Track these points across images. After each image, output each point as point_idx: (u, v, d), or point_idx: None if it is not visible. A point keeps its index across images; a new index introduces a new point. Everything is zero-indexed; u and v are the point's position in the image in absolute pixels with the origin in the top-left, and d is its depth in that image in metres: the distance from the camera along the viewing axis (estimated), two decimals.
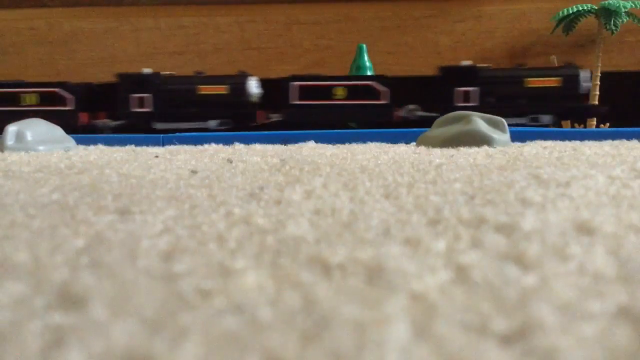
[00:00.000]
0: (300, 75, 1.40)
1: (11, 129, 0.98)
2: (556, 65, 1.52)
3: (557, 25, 1.58)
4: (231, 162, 0.76)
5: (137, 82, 1.38)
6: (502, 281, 0.24)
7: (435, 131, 0.99)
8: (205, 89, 1.37)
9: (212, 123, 1.35)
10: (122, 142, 1.13)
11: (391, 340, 0.18)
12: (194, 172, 0.64)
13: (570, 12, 1.52)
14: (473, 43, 1.69)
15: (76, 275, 0.26)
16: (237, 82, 1.37)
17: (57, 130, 1.06)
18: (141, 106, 1.37)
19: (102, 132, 1.34)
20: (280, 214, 0.39)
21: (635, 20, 1.52)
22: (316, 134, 1.15)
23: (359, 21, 1.72)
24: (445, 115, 1.01)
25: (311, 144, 1.06)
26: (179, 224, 0.36)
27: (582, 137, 1.09)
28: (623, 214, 0.37)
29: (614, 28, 1.49)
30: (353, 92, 1.36)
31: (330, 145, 1.03)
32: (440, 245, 0.30)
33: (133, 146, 1.09)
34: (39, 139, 0.99)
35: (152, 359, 0.17)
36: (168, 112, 1.37)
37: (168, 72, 1.45)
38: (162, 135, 1.18)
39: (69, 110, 1.38)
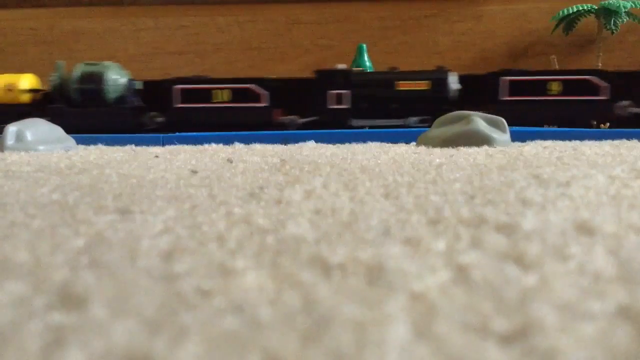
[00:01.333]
0: (508, 69, 1.35)
1: (11, 128, 0.98)
2: (556, 65, 1.52)
3: (557, 25, 1.58)
4: (231, 162, 0.76)
5: (334, 78, 1.34)
6: (502, 281, 0.24)
7: (435, 131, 0.99)
8: (405, 85, 1.32)
9: (412, 120, 1.30)
10: (122, 142, 1.13)
11: (391, 340, 0.18)
12: (194, 172, 0.64)
13: (570, 12, 1.52)
14: (473, 43, 1.69)
15: (76, 275, 0.26)
16: (438, 77, 1.32)
17: (57, 130, 1.06)
18: (339, 103, 1.33)
19: (288, 129, 1.30)
20: (280, 213, 0.39)
21: (636, 20, 1.52)
22: (316, 133, 1.15)
23: (359, 21, 1.72)
24: (445, 115, 1.01)
25: (311, 143, 1.06)
26: (179, 223, 0.36)
27: (582, 137, 1.09)
28: (623, 213, 0.37)
29: (614, 28, 1.49)
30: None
31: (330, 145, 1.03)
32: (440, 245, 0.30)
33: (133, 146, 1.09)
34: (39, 139, 0.99)
35: (152, 358, 0.17)
36: (365, 109, 1.33)
37: (359, 69, 1.41)
38: (162, 135, 1.18)
39: (263, 106, 1.35)
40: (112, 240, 0.32)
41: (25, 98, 1.37)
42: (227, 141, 1.10)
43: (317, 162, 0.71)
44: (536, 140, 1.04)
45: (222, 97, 1.35)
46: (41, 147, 0.97)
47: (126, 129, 1.31)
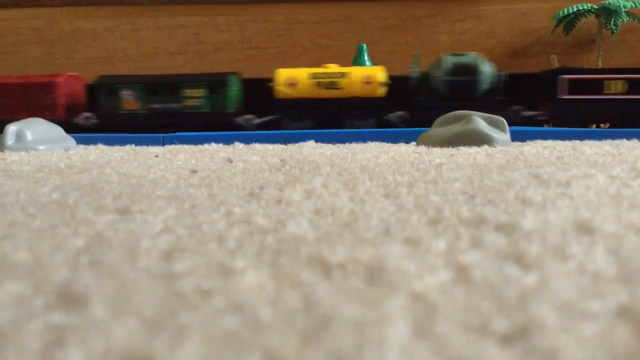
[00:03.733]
0: (567, 67, 1.33)
1: (11, 128, 0.98)
2: (556, 65, 1.52)
3: (557, 25, 1.58)
4: (231, 161, 0.76)
5: None
6: (502, 281, 0.24)
7: (435, 131, 0.99)
8: None
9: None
10: (122, 142, 1.13)
11: (391, 340, 0.18)
12: (194, 171, 0.64)
13: (571, 11, 1.52)
14: (473, 43, 1.69)
15: (76, 274, 0.26)
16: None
17: (57, 130, 1.06)
18: None
19: None
20: (280, 213, 0.39)
21: (636, 20, 1.52)
22: (316, 133, 1.15)
23: (359, 21, 1.72)
24: (445, 115, 1.01)
25: (311, 143, 1.06)
26: (179, 223, 0.36)
27: (582, 136, 1.09)
28: (623, 213, 0.37)
29: (614, 28, 1.49)
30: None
31: (330, 145, 1.03)
32: (441, 244, 0.30)
33: (133, 146, 1.09)
34: (39, 139, 0.99)
35: (152, 358, 0.17)
36: None
37: None
38: (161, 135, 1.18)
39: None
40: (112, 240, 0.32)
41: (381, 91, 1.33)
42: (227, 141, 1.10)
43: (317, 162, 0.71)
44: (536, 140, 1.04)
45: (615, 89, 1.28)
46: (41, 147, 0.97)
47: None
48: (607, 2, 1.48)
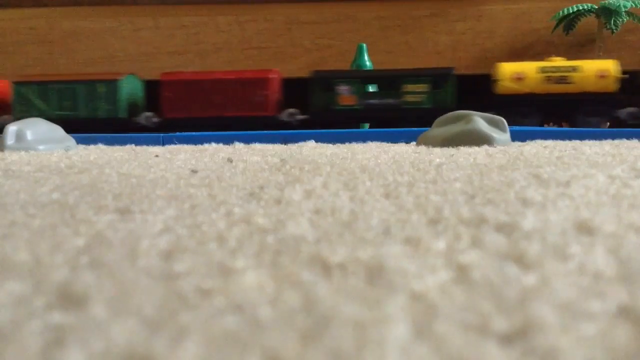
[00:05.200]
0: None
1: (11, 128, 0.98)
2: None
3: (557, 25, 1.58)
4: (231, 161, 0.76)
5: None
6: (502, 281, 0.24)
7: (435, 130, 0.99)
8: None
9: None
10: (122, 142, 1.13)
11: (391, 340, 0.18)
12: (194, 171, 0.64)
13: (571, 11, 1.53)
14: (473, 43, 1.69)
15: (76, 274, 0.26)
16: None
17: (57, 130, 1.06)
18: None
19: None
20: (280, 213, 0.39)
21: (636, 20, 1.52)
22: (316, 133, 1.15)
23: (360, 21, 1.72)
24: (446, 115, 1.01)
25: (311, 143, 1.06)
26: (179, 223, 0.36)
27: (583, 136, 1.09)
28: (623, 213, 0.37)
29: (614, 27, 1.49)
30: None
31: (330, 145, 1.03)
32: (441, 244, 0.30)
33: (133, 146, 1.09)
34: (39, 139, 0.99)
35: (152, 358, 0.17)
36: None
37: None
38: (162, 134, 1.18)
39: None
40: (112, 240, 0.32)
41: (615, 86, 1.27)
42: (227, 141, 1.10)
43: (317, 162, 0.71)
44: (536, 140, 1.04)
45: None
46: (41, 147, 0.97)
47: None
48: (607, 2, 1.48)
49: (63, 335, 0.19)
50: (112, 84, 1.42)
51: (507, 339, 0.18)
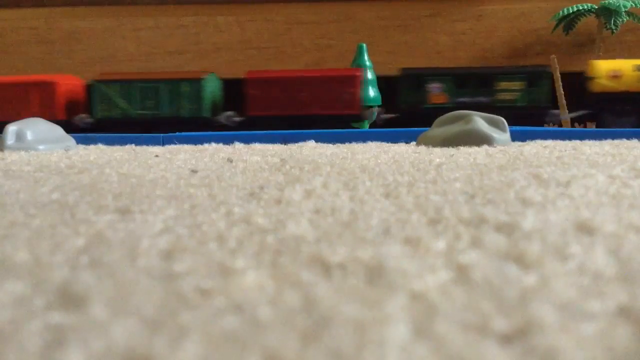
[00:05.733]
0: None
1: (11, 128, 0.98)
2: (556, 65, 1.52)
3: (557, 25, 1.57)
4: (231, 161, 0.76)
5: None
6: (502, 281, 0.24)
7: (435, 130, 0.99)
8: None
9: None
10: (122, 142, 1.13)
11: (391, 340, 0.18)
12: (194, 171, 0.64)
13: (571, 11, 1.52)
14: (473, 43, 1.69)
15: (76, 274, 0.26)
16: None
17: (57, 130, 1.06)
18: None
19: None
20: (280, 213, 0.39)
21: (636, 20, 1.52)
22: (316, 133, 1.15)
23: (359, 21, 1.72)
24: (446, 115, 1.01)
25: (311, 143, 1.06)
26: (179, 223, 0.36)
27: (583, 136, 1.09)
28: (623, 213, 0.37)
29: (614, 28, 1.49)
30: None
31: (330, 145, 1.03)
32: (441, 244, 0.30)
33: (133, 146, 1.09)
34: (39, 138, 0.99)
35: (152, 358, 0.17)
36: None
37: None
38: (162, 134, 1.18)
39: None
40: (112, 240, 0.32)
41: None
42: (227, 141, 1.10)
43: (317, 162, 0.71)
44: (536, 140, 1.04)
45: None
46: (41, 147, 0.97)
47: None
48: (607, 2, 1.48)
49: (63, 335, 0.19)
50: (196, 82, 1.40)
51: (507, 339, 0.18)
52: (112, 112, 1.39)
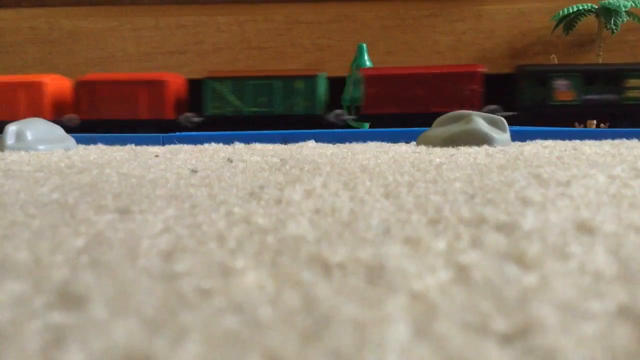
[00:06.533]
0: None
1: (11, 128, 0.98)
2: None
3: (557, 25, 1.58)
4: (231, 161, 0.76)
5: None
6: (503, 280, 0.24)
7: (435, 130, 0.99)
8: None
9: None
10: (122, 142, 1.13)
11: (391, 340, 0.18)
12: (194, 171, 0.64)
13: (571, 11, 1.52)
14: (473, 43, 1.69)
15: (76, 274, 0.26)
16: None
17: (57, 130, 1.06)
18: None
19: None
20: (280, 213, 0.39)
21: (636, 20, 1.52)
22: (316, 133, 1.15)
23: (359, 20, 1.72)
24: (446, 115, 1.01)
25: (311, 143, 1.06)
26: (179, 223, 0.36)
27: (583, 136, 1.09)
28: (623, 213, 0.37)
29: (614, 27, 1.49)
30: None
31: (330, 145, 1.03)
32: (441, 244, 0.30)
33: (133, 146, 1.09)
34: (39, 138, 0.99)
35: (152, 358, 0.17)
36: None
37: None
38: (162, 134, 1.18)
39: None
40: (112, 239, 0.32)
41: None
42: (227, 141, 1.10)
43: (317, 162, 0.71)
44: (536, 140, 1.04)
45: None
46: (41, 147, 0.97)
47: None
48: (607, 2, 1.48)
49: (63, 335, 0.19)
50: (310, 79, 1.38)
51: (507, 339, 0.18)
52: (224, 109, 1.37)
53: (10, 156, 0.86)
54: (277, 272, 0.26)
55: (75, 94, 1.45)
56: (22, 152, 0.92)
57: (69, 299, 0.23)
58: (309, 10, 1.72)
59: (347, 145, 1.03)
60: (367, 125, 1.46)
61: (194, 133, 1.20)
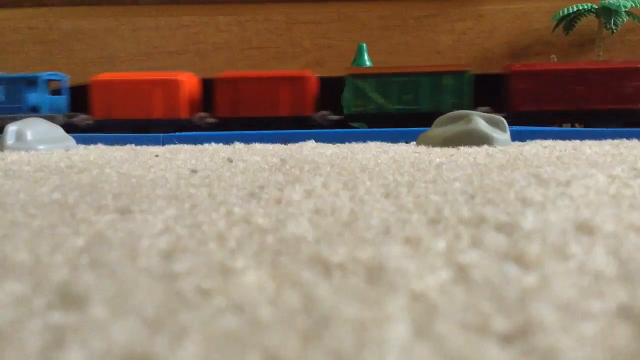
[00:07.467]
0: None
1: (11, 128, 0.98)
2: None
3: (557, 25, 1.57)
4: (231, 161, 0.76)
5: None
6: (502, 280, 0.24)
7: (435, 130, 0.99)
8: None
9: None
10: (122, 142, 1.13)
11: (391, 340, 0.18)
12: (194, 171, 0.64)
13: (571, 11, 1.52)
14: (473, 43, 1.69)
15: (76, 274, 0.26)
16: None
17: (57, 130, 1.06)
18: None
19: None
20: (280, 213, 0.39)
21: (636, 20, 1.52)
22: (316, 133, 1.15)
23: (359, 20, 1.72)
24: (446, 115, 1.01)
25: (311, 143, 1.06)
26: (179, 223, 0.36)
27: (583, 136, 1.09)
28: (623, 213, 0.37)
29: (614, 27, 1.49)
30: None
31: (330, 145, 1.03)
32: (441, 244, 0.30)
33: (133, 145, 1.09)
34: (39, 138, 0.99)
35: (152, 358, 0.17)
36: None
37: None
38: (162, 134, 1.18)
39: None
40: (112, 239, 0.32)
41: None
42: (227, 141, 1.10)
43: (317, 162, 0.71)
44: (536, 140, 1.04)
45: None
46: (41, 147, 0.97)
47: None
48: (607, 2, 1.48)
49: (63, 335, 0.19)
50: (459, 75, 1.33)
51: (507, 339, 0.18)
52: (368, 107, 1.33)
53: (10, 156, 0.86)
54: (277, 272, 0.26)
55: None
56: (22, 152, 0.92)
57: (69, 299, 0.23)
58: (309, 10, 1.72)
59: (347, 145, 1.03)
60: (366, 125, 1.46)
61: (194, 133, 1.20)
